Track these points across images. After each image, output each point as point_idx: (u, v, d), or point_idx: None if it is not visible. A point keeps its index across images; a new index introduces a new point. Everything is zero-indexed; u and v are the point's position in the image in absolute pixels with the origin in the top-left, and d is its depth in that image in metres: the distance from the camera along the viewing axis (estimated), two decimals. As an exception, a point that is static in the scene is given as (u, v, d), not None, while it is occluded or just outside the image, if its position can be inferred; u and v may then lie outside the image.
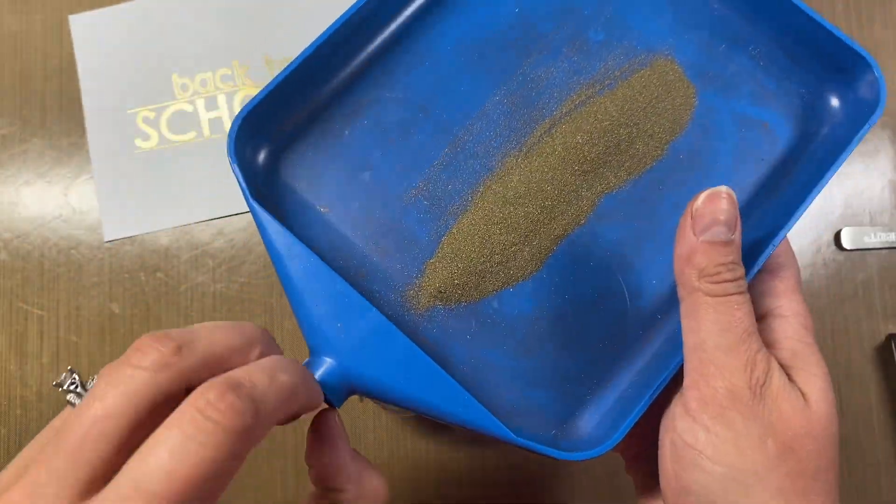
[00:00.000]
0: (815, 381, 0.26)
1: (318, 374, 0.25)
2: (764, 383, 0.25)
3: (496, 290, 0.30)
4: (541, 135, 0.32)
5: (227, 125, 0.46)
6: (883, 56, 0.47)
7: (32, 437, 0.43)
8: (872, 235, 0.45)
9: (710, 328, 0.25)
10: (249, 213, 0.45)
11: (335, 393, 0.25)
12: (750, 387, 0.25)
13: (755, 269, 0.28)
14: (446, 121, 0.32)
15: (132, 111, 0.46)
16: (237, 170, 0.28)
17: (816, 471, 0.25)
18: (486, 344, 0.30)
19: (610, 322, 0.30)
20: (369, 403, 0.42)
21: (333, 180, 0.32)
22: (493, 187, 0.31)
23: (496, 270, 0.31)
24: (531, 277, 0.31)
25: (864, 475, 0.43)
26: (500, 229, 0.31)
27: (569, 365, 0.30)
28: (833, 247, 0.45)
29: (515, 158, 0.31)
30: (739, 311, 0.25)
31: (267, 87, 0.29)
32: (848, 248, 0.45)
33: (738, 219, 0.26)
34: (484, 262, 0.31)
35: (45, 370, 0.43)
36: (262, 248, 0.44)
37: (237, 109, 0.46)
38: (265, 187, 0.32)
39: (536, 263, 0.31)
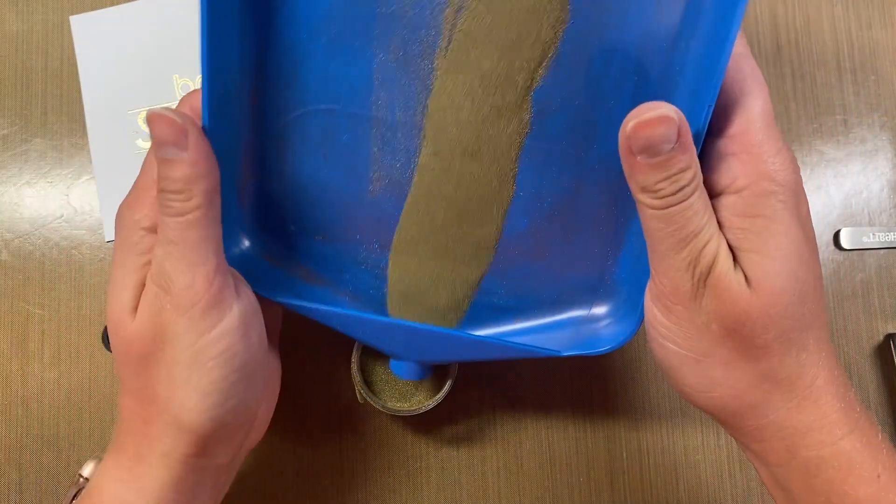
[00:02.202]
0: (759, 261, 0.26)
1: (405, 368, 0.35)
2: (707, 276, 0.26)
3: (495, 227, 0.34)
4: (441, 73, 0.30)
5: (228, 126, 0.46)
6: (882, 57, 0.47)
7: (33, 438, 0.43)
8: (871, 235, 0.45)
9: (655, 235, 0.26)
10: (250, 214, 0.45)
11: (417, 373, 0.35)
12: (692, 283, 0.26)
13: (699, 144, 0.26)
14: (354, 108, 0.31)
15: (133, 111, 0.46)
16: (258, 291, 0.31)
17: (764, 343, 0.26)
18: (511, 265, 0.34)
19: (598, 198, 0.32)
20: (370, 405, 0.42)
21: (310, 212, 0.34)
22: (431, 145, 0.31)
23: (479, 218, 0.33)
24: (512, 203, 0.32)
25: (864, 475, 0.43)
26: (455, 188, 0.32)
27: (579, 249, 0.33)
28: (832, 247, 0.45)
29: (434, 104, 0.31)
30: (682, 216, 0.25)
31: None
32: (847, 248, 0.45)
33: (682, 123, 0.24)
34: (460, 219, 0.33)
35: (46, 370, 0.43)
36: (262, 248, 0.45)
37: (238, 110, 0.46)
38: (274, 255, 0.35)
39: (509, 189, 0.32)
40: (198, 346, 0.27)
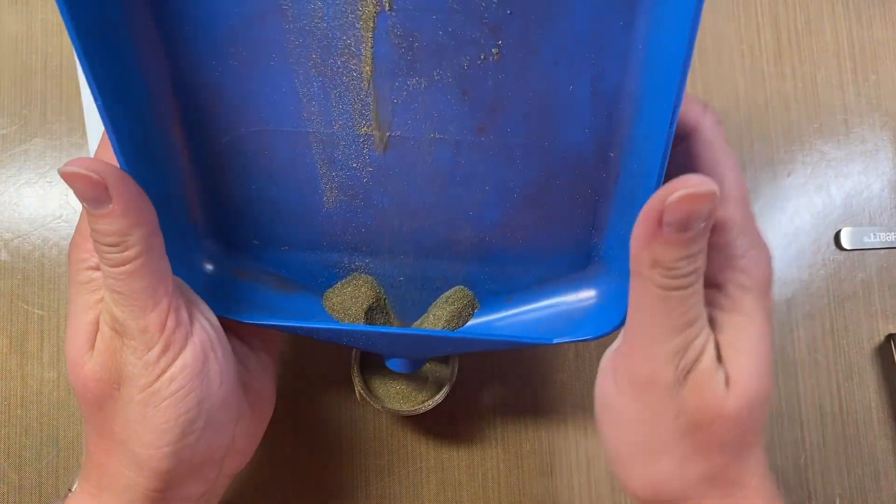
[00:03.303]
0: (737, 358, 0.25)
1: (398, 363, 0.36)
2: (691, 369, 0.25)
3: (469, 225, 0.33)
4: (373, 79, 0.28)
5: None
6: (883, 56, 0.47)
7: (33, 437, 0.43)
8: (872, 235, 0.45)
9: (652, 317, 0.24)
10: (250, 214, 0.45)
11: (410, 366, 0.36)
12: (675, 374, 0.25)
13: (666, 161, 0.24)
14: (286, 126, 0.30)
15: (133, 111, 0.46)
16: (228, 315, 0.31)
17: (723, 443, 0.25)
18: (489, 253, 0.34)
19: (572, 184, 0.31)
20: (370, 405, 0.42)
21: (269, 227, 0.33)
22: (380, 150, 0.30)
23: (447, 215, 0.32)
24: (480, 197, 0.32)
25: (864, 475, 0.43)
26: (411, 189, 0.31)
27: (559, 233, 0.33)
28: (832, 247, 0.45)
29: (376, 106, 0.29)
30: (687, 302, 0.24)
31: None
32: (847, 248, 0.45)
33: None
34: (426, 217, 0.32)
35: (45, 370, 0.43)
36: (262, 248, 0.44)
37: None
38: (243, 269, 0.34)
39: (474, 184, 0.31)
40: (153, 388, 0.26)
